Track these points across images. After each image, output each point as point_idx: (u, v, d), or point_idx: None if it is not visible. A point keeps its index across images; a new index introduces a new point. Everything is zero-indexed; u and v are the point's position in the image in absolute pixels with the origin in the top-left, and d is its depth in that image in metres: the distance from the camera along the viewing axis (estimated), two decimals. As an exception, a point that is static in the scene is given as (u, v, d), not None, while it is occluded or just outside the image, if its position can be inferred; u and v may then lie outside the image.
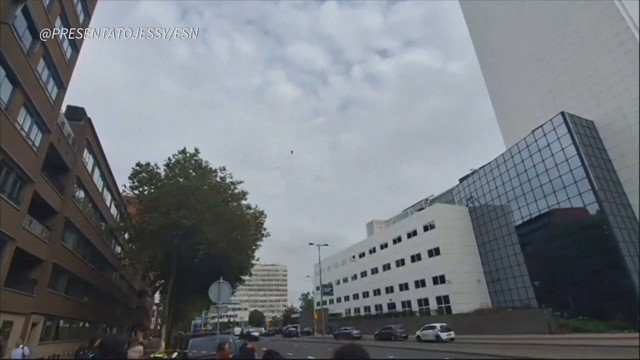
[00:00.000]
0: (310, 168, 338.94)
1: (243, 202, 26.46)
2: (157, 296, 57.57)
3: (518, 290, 40.80)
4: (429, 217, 48.94)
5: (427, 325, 31.45)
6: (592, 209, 33.06)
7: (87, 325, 28.07)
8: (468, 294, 42.38)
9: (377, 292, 58.30)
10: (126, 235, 27.73)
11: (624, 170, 34.40)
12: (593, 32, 38.91)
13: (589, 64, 39.08)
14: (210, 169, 24.83)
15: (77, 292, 25.10)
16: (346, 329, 41.86)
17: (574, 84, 40.45)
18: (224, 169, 25.26)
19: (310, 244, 48.85)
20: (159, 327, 54.20)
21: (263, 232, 27.92)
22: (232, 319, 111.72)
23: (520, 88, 48.20)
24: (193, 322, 79.00)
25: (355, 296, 65.49)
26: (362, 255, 65.15)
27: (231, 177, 25.33)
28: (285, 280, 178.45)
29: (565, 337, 24.91)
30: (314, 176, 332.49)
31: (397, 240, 54.70)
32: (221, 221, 22.10)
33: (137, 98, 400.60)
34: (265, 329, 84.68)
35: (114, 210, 33.21)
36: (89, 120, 25.28)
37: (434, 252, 46.11)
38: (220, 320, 17.64)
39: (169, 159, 23.78)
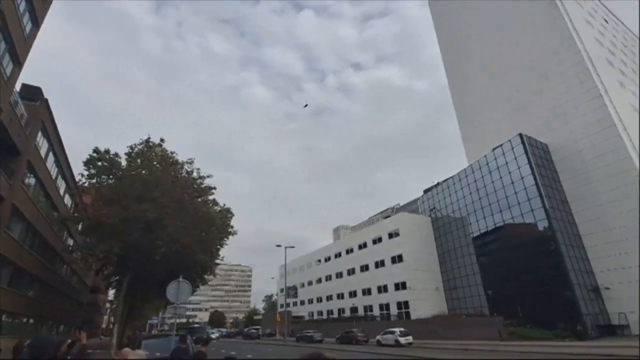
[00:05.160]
0: (281, 171, 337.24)
1: (210, 197, 25.80)
2: (111, 293, 54.45)
3: (473, 298, 42.91)
4: (394, 225, 50.33)
5: (387, 330, 32.30)
6: (542, 225, 35.59)
7: (31, 321, 25.97)
8: (427, 300, 43.94)
9: (340, 296, 58.88)
10: (79, 227, 26.00)
11: (572, 191, 37.44)
12: (553, 61, 42.15)
13: (547, 90, 42.24)
14: (177, 161, 23.99)
15: (22, 286, 23.17)
16: (308, 332, 41.84)
17: (534, 108, 43.42)
18: (192, 162, 24.50)
19: (278, 245, 48.45)
20: (111, 326, 51.16)
21: (230, 230, 27.31)
22: (191, 320, 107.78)
23: (485, 108, 51.00)
24: (149, 321, 75.58)
25: (319, 299, 65.74)
26: (328, 259, 65.59)
27: (198, 171, 24.63)
28: (250, 281, 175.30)
29: (514, 344, 26.49)
30: (284, 179, 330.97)
31: (363, 246, 55.69)
32: (186, 217, 21.35)
33: (105, 87, 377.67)
34: (226, 331, 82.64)
35: (68, 200, 31.10)
36: (46, 101, 23.54)
37: (397, 259, 47.43)
38: (178, 320, 17.04)
39: (131, 148, 22.69)
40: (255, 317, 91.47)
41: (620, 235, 32.83)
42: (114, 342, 21.24)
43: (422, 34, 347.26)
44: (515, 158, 39.23)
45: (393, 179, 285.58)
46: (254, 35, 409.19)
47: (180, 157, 24.64)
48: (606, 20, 52.50)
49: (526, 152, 38.19)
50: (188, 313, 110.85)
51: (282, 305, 68.19)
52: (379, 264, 50.76)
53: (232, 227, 27.32)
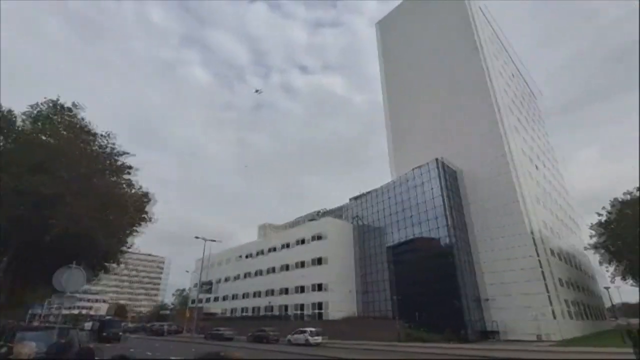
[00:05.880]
0: (213, 160, 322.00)
1: (125, 177, 23.61)
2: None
3: (381, 302, 46.25)
4: (319, 229, 51.93)
5: (298, 329, 33.17)
6: (444, 241, 40.31)
7: None
8: (341, 302, 46.14)
9: (257, 294, 58.48)
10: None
11: (471, 214, 43.26)
12: (469, 100, 48.25)
13: (463, 123, 48.18)
14: (89, 131, 21.46)
15: None
16: (219, 330, 40.65)
17: (451, 137, 48.92)
18: (108, 135, 22.15)
19: (197, 237, 46.07)
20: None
21: (145, 216, 25.26)
22: (85, 312, 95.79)
23: (413, 130, 55.87)
24: (30, 310, 65.20)
25: (236, 296, 64.40)
26: (250, 256, 64.71)
27: (113, 146, 22.39)
28: (161, 273, 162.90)
29: (409, 345, 29.51)
30: (215, 168, 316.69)
31: (286, 246, 56.26)
32: (92, 196, 19.12)
33: (15, 36, 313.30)
34: (128, 325, 75.31)
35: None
36: None
37: (318, 262, 48.96)
38: (69, 311, 15.22)
39: (32, 107, 19.66)
40: (163, 312, 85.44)
41: (501, 255, 38.91)
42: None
43: (368, 51, 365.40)
44: (430, 179, 43.89)
45: (323, 184, 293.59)
46: (199, 14, 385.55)
47: (98, 129, 22.11)
48: (513, 75, 62.00)
49: (439, 175, 42.93)
50: (83, 304, 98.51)
51: (194, 301, 65.04)
52: (300, 264, 51.75)
53: (146, 212, 25.33)
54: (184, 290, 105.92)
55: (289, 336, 32.92)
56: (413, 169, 47.25)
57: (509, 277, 37.78)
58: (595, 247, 42.10)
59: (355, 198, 57.99)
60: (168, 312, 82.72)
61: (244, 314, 59.78)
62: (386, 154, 59.92)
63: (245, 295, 61.81)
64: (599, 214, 41.08)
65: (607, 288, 54.27)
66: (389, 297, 45.03)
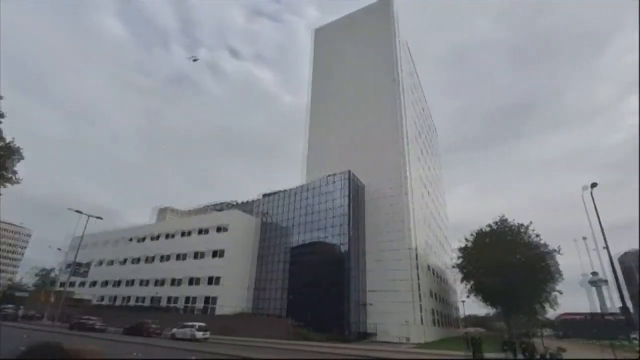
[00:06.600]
0: (112, 126, 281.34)
1: None
2: None
3: (276, 301, 47.22)
4: (225, 220, 50.62)
5: (184, 324, 31.84)
6: (340, 249, 43.64)
7: None
8: (235, 298, 45.74)
9: (145, 282, 53.76)
10: None
11: (368, 226, 47.77)
12: (382, 126, 53.05)
13: (376, 145, 52.54)
14: None
15: None
16: (88, 319, 36.00)
17: (364, 155, 52.50)
18: None
19: (70, 209, 40.09)
20: None
21: (3, 173, 21.14)
22: None
23: (330, 140, 58.53)
24: None
25: (118, 283, 57.95)
26: (142, 240, 58.93)
27: None
28: (18, 245, 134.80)
29: (296, 343, 31.08)
30: (112, 136, 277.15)
31: (187, 234, 53.33)
32: None
33: None
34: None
35: None
36: None
37: (218, 254, 47.56)
38: None
39: None
40: (19, 294, 71.16)
41: (386, 267, 43.96)
42: None
43: (302, 55, 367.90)
44: (338, 189, 46.98)
45: (237, 175, 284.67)
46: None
47: None
48: (423, 109, 70.89)
49: (347, 187, 46.28)
50: None
51: (54, 282, 56.12)
52: (199, 255, 49.54)
53: (6, 169, 21.28)
54: (44, 269, 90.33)
55: (174, 330, 31.32)
56: (325, 177, 49.68)
57: (389, 285, 42.91)
58: (454, 267, 51.03)
59: (267, 195, 57.97)
60: (15, 293, 69.24)
61: (125, 303, 54.17)
62: (302, 156, 61.39)
63: (128, 283, 56.07)
64: (460, 241, 50.04)
65: (457, 302, 66.12)
66: (285, 296, 46.39)
